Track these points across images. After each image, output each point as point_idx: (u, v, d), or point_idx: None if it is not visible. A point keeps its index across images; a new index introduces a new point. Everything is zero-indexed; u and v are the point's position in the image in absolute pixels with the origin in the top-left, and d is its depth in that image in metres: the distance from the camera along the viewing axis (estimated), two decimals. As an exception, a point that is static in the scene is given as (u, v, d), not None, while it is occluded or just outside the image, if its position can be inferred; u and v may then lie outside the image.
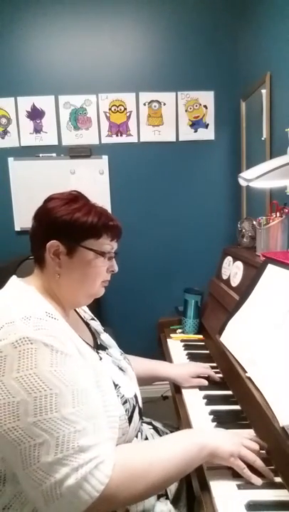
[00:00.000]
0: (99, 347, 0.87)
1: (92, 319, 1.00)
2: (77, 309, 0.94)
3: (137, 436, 0.84)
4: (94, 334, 0.91)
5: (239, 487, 0.69)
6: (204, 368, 1.13)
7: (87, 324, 0.94)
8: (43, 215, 0.78)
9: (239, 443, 0.74)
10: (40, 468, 0.57)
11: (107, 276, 0.84)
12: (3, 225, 2.21)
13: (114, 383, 0.77)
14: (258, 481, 0.69)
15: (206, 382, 1.09)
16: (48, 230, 0.76)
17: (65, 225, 0.75)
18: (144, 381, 1.08)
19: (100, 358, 0.81)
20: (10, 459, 0.61)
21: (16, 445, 0.58)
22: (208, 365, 1.17)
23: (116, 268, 0.85)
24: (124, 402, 0.77)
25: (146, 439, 0.93)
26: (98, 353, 0.83)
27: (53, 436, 0.57)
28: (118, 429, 0.71)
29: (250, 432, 0.83)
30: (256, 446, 0.75)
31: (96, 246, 0.78)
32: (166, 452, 0.68)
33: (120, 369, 0.86)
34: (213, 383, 1.10)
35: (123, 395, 0.77)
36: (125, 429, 0.74)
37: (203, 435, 0.76)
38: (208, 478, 0.72)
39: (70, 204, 0.77)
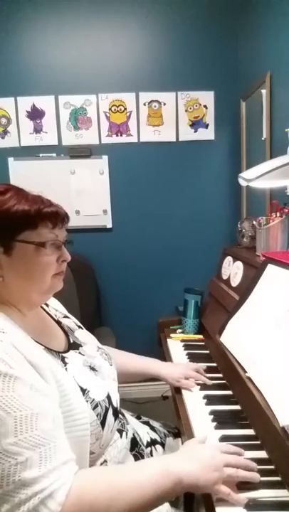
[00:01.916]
0: (71, 346, 0.83)
1: (65, 317, 0.95)
2: (46, 308, 0.89)
3: (121, 436, 0.82)
4: (66, 333, 0.87)
5: (239, 487, 0.69)
6: (195, 372, 1.11)
7: (59, 323, 0.89)
8: None
9: (220, 465, 0.67)
10: None
11: (60, 267, 0.75)
12: None
13: (82, 389, 0.71)
14: (243, 500, 0.65)
15: (194, 386, 1.07)
16: None
17: None
18: (133, 377, 1.08)
19: (66, 364, 0.75)
20: None
21: None
22: (204, 365, 1.17)
23: (68, 257, 0.76)
24: (95, 407, 0.71)
25: (134, 438, 0.88)
26: (64, 358, 0.76)
27: None
28: (90, 435, 0.68)
29: (228, 446, 0.76)
30: (238, 460, 0.71)
31: (34, 237, 0.69)
32: (134, 484, 0.61)
33: (92, 368, 0.81)
34: (209, 378, 1.10)
35: (93, 400, 0.72)
36: (98, 433, 0.71)
37: (179, 466, 0.66)
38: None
39: None
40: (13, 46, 2.12)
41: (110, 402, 0.77)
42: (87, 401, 0.70)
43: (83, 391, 0.71)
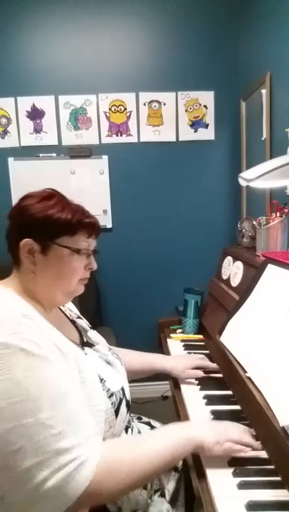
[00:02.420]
0: (85, 344, 0.88)
1: (79, 317, 1.00)
2: (62, 308, 0.94)
3: (126, 432, 0.85)
4: (80, 332, 0.91)
5: (239, 487, 0.69)
6: (200, 360, 1.15)
7: (74, 322, 0.94)
8: (17, 213, 0.77)
9: (223, 430, 0.77)
10: (20, 473, 0.57)
11: (85, 273, 0.82)
12: (3, 225, 2.21)
13: (99, 377, 0.77)
14: (247, 450, 0.76)
15: (201, 374, 1.10)
16: (22, 228, 0.75)
17: (39, 222, 0.74)
18: (139, 374, 1.09)
19: (85, 354, 0.81)
20: None
21: None
22: (203, 355, 1.20)
23: (94, 265, 0.83)
24: (110, 396, 0.77)
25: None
26: (83, 349, 0.83)
27: (30, 442, 0.57)
28: (104, 422, 0.72)
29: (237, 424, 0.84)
30: (242, 429, 0.80)
31: (71, 243, 0.76)
32: (153, 446, 0.70)
33: (107, 363, 0.86)
34: (210, 378, 1.11)
35: (109, 389, 0.77)
36: (112, 422, 0.75)
37: (188, 429, 0.78)
38: (208, 477, 0.72)
39: (43, 201, 0.76)
40: (13, 46, 2.12)
41: (124, 394, 0.82)
42: (103, 389, 0.76)
43: (101, 380, 0.77)
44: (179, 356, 1.25)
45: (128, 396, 0.85)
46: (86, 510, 0.68)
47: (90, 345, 0.89)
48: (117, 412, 0.77)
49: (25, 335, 0.62)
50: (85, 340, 0.89)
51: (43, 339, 0.65)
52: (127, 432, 0.85)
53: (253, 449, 0.77)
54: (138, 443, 0.71)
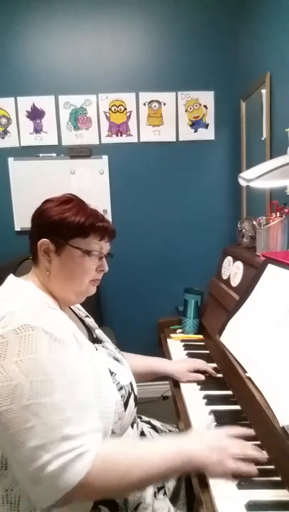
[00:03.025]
0: (95, 340, 0.92)
1: (87, 316, 1.04)
2: (72, 307, 0.97)
3: (132, 427, 0.86)
4: (89, 330, 0.95)
5: (239, 487, 0.69)
6: (201, 363, 1.17)
7: (82, 321, 0.97)
8: (37, 215, 0.83)
9: (227, 446, 0.73)
10: (26, 452, 0.59)
11: (97, 275, 0.86)
12: (3, 225, 2.21)
13: (110, 371, 0.81)
14: (253, 469, 0.71)
15: (202, 377, 1.12)
16: (40, 229, 0.81)
17: (55, 224, 0.79)
18: (142, 377, 1.10)
19: (96, 349, 0.85)
20: (1, 442, 0.64)
21: (8, 427, 0.60)
22: (204, 361, 1.20)
23: (106, 268, 0.87)
24: (120, 389, 0.80)
25: (142, 433, 0.95)
26: (94, 344, 0.86)
27: (41, 422, 0.60)
28: (114, 413, 0.75)
29: (236, 429, 0.81)
30: (244, 444, 0.76)
31: (83, 245, 0.81)
32: (152, 457, 0.69)
33: (116, 359, 0.90)
34: (212, 382, 1.10)
35: (119, 382, 0.81)
36: (121, 413, 0.78)
37: (190, 448, 0.73)
38: (208, 477, 0.72)
39: (61, 205, 0.82)
40: (13, 46, 2.12)
41: (132, 389, 0.86)
42: (113, 382, 0.79)
43: (111, 373, 0.81)
44: (181, 360, 1.26)
45: (136, 391, 0.88)
46: (91, 503, 0.72)
47: (100, 341, 0.93)
48: (126, 404, 0.80)
49: (49, 319, 0.67)
50: (94, 336, 0.94)
51: (63, 326, 0.70)
52: (132, 426, 0.87)
53: (259, 462, 0.73)
54: (138, 451, 0.71)
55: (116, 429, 0.76)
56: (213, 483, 0.70)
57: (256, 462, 0.73)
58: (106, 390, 0.75)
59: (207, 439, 0.76)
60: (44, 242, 0.80)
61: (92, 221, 0.81)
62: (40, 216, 0.82)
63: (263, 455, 0.75)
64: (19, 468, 0.62)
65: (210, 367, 1.16)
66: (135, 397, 0.87)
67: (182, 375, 1.12)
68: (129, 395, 0.83)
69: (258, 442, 0.81)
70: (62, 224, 0.79)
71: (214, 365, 1.21)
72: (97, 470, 0.62)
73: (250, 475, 0.70)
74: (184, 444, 0.75)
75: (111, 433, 0.75)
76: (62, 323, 0.71)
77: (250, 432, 0.80)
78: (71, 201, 0.84)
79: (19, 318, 0.65)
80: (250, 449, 0.74)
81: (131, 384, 0.86)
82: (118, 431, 0.77)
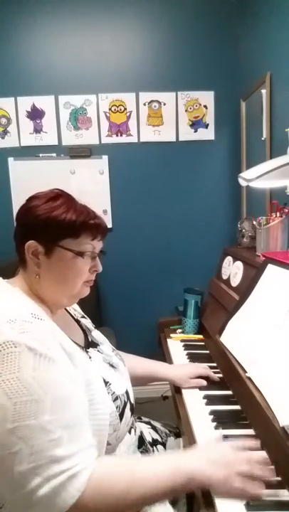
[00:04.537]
0: (90, 344, 0.87)
1: (83, 317, 0.99)
2: (66, 307, 0.93)
3: (130, 433, 0.84)
4: (85, 331, 0.91)
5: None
6: (203, 369, 1.12)
7: (78, 322, 0.93)
8: (23, 214, 0.77)
9: (232, 462, 0.68)
10: (15, 476, 0.56)
11: (91, 276, 0.81)
12: (3, 225, 2.20)
13: (104, 381, 0.76)
14: (260, 494, 0.65)
15: (204, 383, 1.08)
16: (27, 229, 0.75)
17: (42, 224, 0.73)
18: (141, 381, 1.08)
19: (90, 357, 0.80)
20: None
21: None
22: (206, 365, 1.16)
23: (100, 268, 0.82)
24: (115, 399, 0.76)
25: (141, 436, 0.92)
26: (88, 352, 0.82)
27: (28, 445, 0.56)
28: (109, 426, 0.71)
29: (243, 443, 0.75)
30: (251, 457, 0.70)
31: (74, 246, 0.75)
32: (150, 477, 0.64)
33: (111, 366, 0.85)
34: (212, 383, 1.09)
35: (114, 392, 0.77)
36: (116, 425, 0.75)
37: (190, 466, 0.67)
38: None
39: (49, 203, 0.75)
40: (14, 46, 2.12)
41: (128, 398, 0.82)
42: (108, 392, 0.75)
43: (106, 383, 0.76)
44: (182, 365, 1.21)
45: (132, 399, 0.85)
46: None
47: (95, 345, 0.89)
48: (121, 415, 0.76)
49: (34, 334, 0.62)
50: (90, 339, 0.89)
51: (50, 340, 0.65)
52: (130, 433, 0.85)
53: (268, 481, 0.67)
54: (135, 471, 0.65)
55: (111, 440, 0.73)
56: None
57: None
58: (99, 402, 0.71)
59: (210, 453, 0.71)
60: (31, 244, 0.73)
61: (83, 219, 0.75)
62: (27, 215, 0.75)
63: (272, 473, 0.68)
64: (9, 493, 0.58)
65: (212, 372, 1.11)
66: (131, 405, 0.83)
67: (183, 381, 1.07)
68: (125, 404, 0.79)
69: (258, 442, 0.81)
70: (51, 224, 0.73)
71: (214, 364, 1.21)
72: (91, 492, 0.59)
73: (257, 498, 0.65)
74: (184, 461, 0.69)
75: (106, 444, 0.72)
76: (49, 335, 0.66)
77: (257, 444, 0.76)
78: (59, 197, 0.77)
79: (2, 334, 0.60)
80: (259, 468, 0.68)
81: (127, 393, 0.82)
82: (114, 442, 0.75)
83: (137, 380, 1.04)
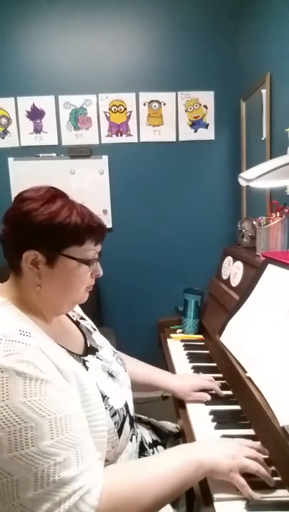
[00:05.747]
0: (89, 350, 0.83)
1: (82, 318, 0.95)
2: None
3: (131, 440, 0.82)
4: (84, 335, 0.87)
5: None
6: (208, 382, 1.04)
7: (77, 324, 0.89)
8: (18, 218, 0.68)
9: (239, 454, 0.69)
10: (21, 504, 0.54)
11: (92, 281, 0.77)
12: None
13: (102, 395, 0.72)
14: (257, 496, 0.66)
15: (208, 397, 1.00)
16: (25, 237, 0.67)
17: (45, 232, 0.66)
18: (140, 387, 1.04)
19: (87, 368, 0.75)
20: None
21: None
22: (211, 376, 1.09)
23: (100, 272, 0.78)
24: (114, 415, 0.72)
25: (142, 441, 0.89)
26: (85, 362, 0.77)
27: (31, 472, 0.53)
28: (107, 443, 0.68)
29: (250, 441, 0.77)
30: (258, 455, 0.71)
31: (79, 254, 0.70)
32: (160, 475, 0.64)
33: (110, 374, 0.81)
34: (217, 398, 1.02)
35: (112, 407, 0.73)
36: (115, 442, 0.71)
37: (199, 451, 0.70)
38: (208, 477, 0.72)
39: (47, 205, 0.67)
40: (14, 46, 2.12)
41: (128, 411, 0.78)
42: (106, 408, 0.71)
43: (103, 397, 0.72)
44: (186, 376, 1.13)
45: (132, 412, 0.81)
46: None
47: (94, 350, 0.85)
48: (120, 431, 0.72)
49: (22, 356, 0.58)
50: (89, 344, 0.85)
51: (41, 358, 0.61)
52: (131, 440, 0.82)
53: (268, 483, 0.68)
54: (143, 474, 0.64)
55: (109, 457, 0.70)
56: (213, 483, 0.70)
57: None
58: (97, 419, 0.67)
59: (217, 444, 0.73)
60: (31, 253, 0.67)
61: (88, 223, 0.70)
62: (23, 220, 0.67)
63: (272, 479, 0.69)
64: None
65: (217, 384, 1.03)
66: (131, 418, 0.78)
67: (185, 394, 1.01)
68: (124, 419, 0.74)
69: (258, 442, 0.81)
70: (54, 231, 0.67)
71: (214, 364, 1.21)
72: (105, 505, 0.57)
73: (251, 498, 0.65)
74: (191, 450, 0.71)
75: (104, 461, 0.69)
76: (41, 353, 0.61)
77: (260, 446, 0.76)
78: (56, 198, 0.69)
79: None
80: (263, 468, 0.69)
81: (126, 405, 0.78)
82: (112, 458, 0.71)
83: (136, 386, 1.01)
